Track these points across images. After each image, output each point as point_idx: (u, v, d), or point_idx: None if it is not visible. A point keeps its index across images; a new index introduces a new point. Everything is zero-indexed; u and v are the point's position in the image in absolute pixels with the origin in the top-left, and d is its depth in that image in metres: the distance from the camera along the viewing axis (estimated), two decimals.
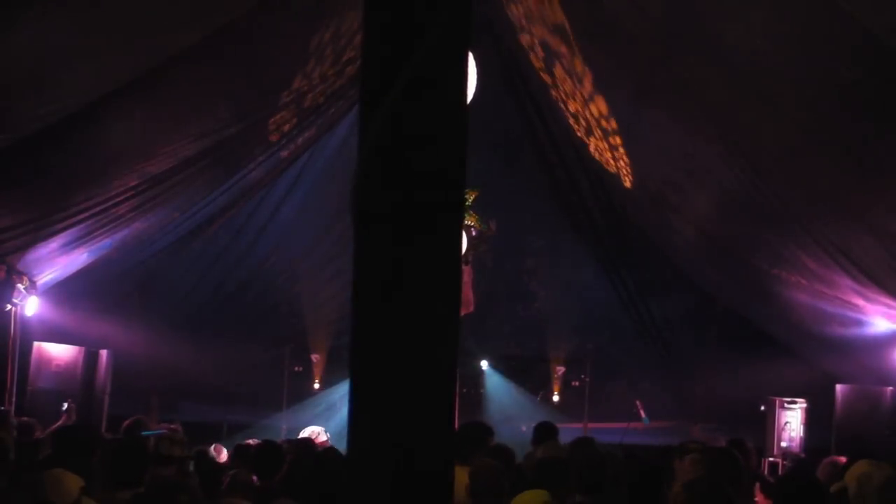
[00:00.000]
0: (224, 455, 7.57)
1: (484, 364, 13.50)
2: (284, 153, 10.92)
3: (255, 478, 5.22)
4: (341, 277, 12.39)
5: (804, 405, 10.70)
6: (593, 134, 10.29)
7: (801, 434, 10.63)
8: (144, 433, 6.94)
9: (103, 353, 10.50)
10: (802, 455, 10.37)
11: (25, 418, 8.07)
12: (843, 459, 5.73)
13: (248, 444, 6.69)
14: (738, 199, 8.98)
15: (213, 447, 7.68)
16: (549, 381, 13.65)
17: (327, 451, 5.36)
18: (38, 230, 8.82)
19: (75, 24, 6.18)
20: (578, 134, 10.68)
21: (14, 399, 9.51)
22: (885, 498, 4.11)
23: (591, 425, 12.40)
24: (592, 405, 12.78)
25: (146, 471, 4.65)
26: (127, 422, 7.35)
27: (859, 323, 9.99)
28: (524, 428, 10.71)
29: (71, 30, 6.22)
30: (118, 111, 7.59)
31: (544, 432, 6.68)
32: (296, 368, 13.27)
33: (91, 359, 10.32)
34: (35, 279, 9.86)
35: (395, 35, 1.64)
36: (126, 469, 4.55)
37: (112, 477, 4.52)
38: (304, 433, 7.94)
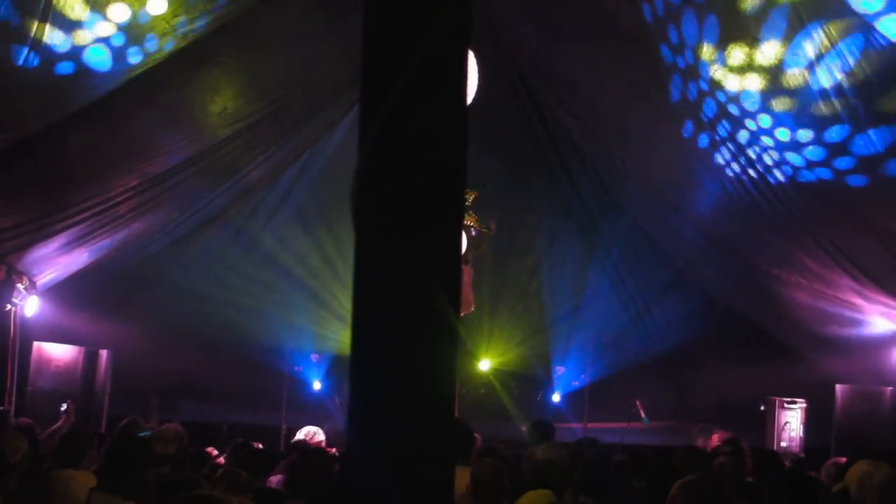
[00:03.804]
0: (318, 438, 7.60)
1: (484, 364, 13.50)
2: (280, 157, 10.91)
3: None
4: (342, 277, 12.38)
5: (804, 405, 10.69)
6: None
7: (801, 434, 10.62)
8: (140, 434, 6.93)
9: (103, 353, 10.49)
10: (802, 455, 10.37)
11: (23, 419, 8.05)
12: (844, 460, 5.73)
13: (244, 444, 6.63)
14: (738, 199, 8.97)
15: (305, 432, 7.75)
16: (550, 381, 13.65)
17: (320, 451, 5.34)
18: (38, 230, 8.83)
19: None
20: None
21: (14, 399, 9.51)
22: (886, 497, 4.12)
23: (591, 425, 12.39)
24: (592, 405, 12.77)
25: (145, 470, 4.62)
26: (122, 422, 7.34)
27: (859, 323, 9.99)
28: (524, 428, 10.72)
29: None
30: (118, 111, 7.60)
31: (543, 431, 6.65)
32: (295, 368, 13.27)
33: (91, 359, 10.32)
34: (35, 279, 9.86)
35: (395, 35, 1.64)
36: (128, 468, 4.52)
37: (115, 477, 4.49)
38: (301, 433, 7.95)
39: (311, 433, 7.87)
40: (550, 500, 4.31)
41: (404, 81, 1.59)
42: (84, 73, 6.98)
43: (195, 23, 7.16)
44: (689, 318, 12.52)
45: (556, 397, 13.52)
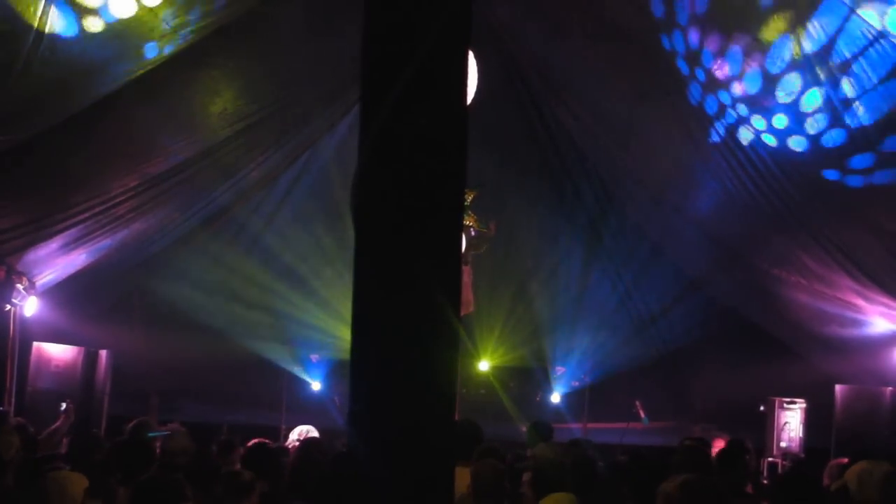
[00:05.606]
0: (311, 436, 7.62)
1: (484, 365, 13.50)
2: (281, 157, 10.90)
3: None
4: (342, 277, 12.38)
5: (804, 405, 10.69)
6: None
7: (801, 434, 10.62)
8: (150, 434, 6.92)
9: (103, 353, 10.48)
10: (802, 455, 10.36)
11: (17, 418, 8.03)
12: (846, 461, 5.73)
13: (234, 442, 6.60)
14: (738, 199, 8.98)
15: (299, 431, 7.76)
16: (549, 382, 13.65)
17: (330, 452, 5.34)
18: (38, 230, 8.83)
19: None
20: None
21: (13, 400, 9.50)
22: (886, 492, 4.13)
23: (591, 425, 12.39)
24: (592, 405, 12.77)
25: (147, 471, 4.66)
26: (132, 423, 7.32)
27: (859, 323, 9.99)
28: (524, 428, 10.71)
29: None
30: (118, 112, 7.60)
31: (541, 432, 6.63)
32: (296, 369, 13.27)
33: (90, 359, 10.30)
34: (34, 279, 9.85)
35: (395, 35, 1.64)
36: (134, 468, 4.57)
37: (121, 476, 4.54)
38: (295, 432, 7.97)
39: (304, 432, 7.89)
40: (573, 501, 4.31)
41: (404, 81, 1.59)
42: (84, 73, 6.98)
43: (196, 24, 7.16)
44: (689, 318, 12.52)
45: (555, 398, 13.51)
